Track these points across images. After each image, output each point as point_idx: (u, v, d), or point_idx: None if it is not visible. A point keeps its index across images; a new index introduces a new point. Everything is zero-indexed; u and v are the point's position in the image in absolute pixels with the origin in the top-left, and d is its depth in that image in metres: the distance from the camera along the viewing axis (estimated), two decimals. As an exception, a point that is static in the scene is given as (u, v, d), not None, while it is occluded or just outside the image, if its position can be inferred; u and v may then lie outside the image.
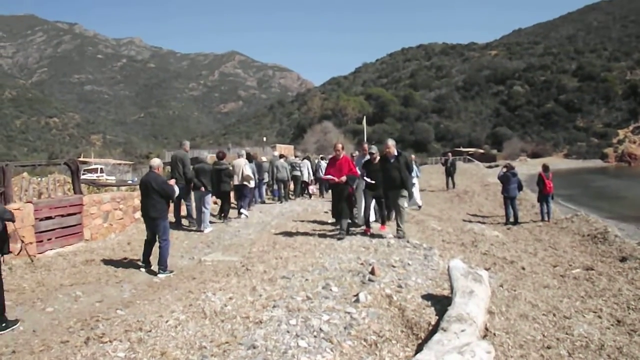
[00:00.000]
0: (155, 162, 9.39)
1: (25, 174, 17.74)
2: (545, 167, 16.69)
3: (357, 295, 5.84)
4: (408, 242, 9.55)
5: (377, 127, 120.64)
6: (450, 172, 26.58)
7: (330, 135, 78.38)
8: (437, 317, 5.18)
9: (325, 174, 10.72)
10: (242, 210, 14.96)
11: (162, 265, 8.71)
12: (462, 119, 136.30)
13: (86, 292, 7.44)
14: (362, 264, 7.59)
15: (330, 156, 11.28)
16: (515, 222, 15.84)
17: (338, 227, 10.68)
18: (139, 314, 5.66)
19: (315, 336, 4.75)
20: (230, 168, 14.25)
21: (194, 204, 13.25)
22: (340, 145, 10.66)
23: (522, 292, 6.69)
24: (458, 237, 11.69)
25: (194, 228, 12.96)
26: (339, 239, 9.96)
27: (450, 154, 28.77)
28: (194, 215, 13.13)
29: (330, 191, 11.89)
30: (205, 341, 4.73)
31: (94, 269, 8.83)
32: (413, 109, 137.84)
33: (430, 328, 4.96)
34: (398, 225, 10.16)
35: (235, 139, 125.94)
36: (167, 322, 5.22)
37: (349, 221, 10.86)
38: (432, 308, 5.56)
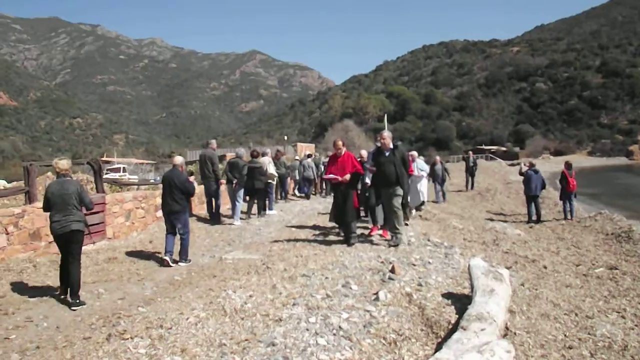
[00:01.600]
0: (178, 159, 9.95)
1: (49, 173, 17.93)
2: (569, 165, 16.51)
3: (376, 293, 5.84)
4: (429, 240, 9.53)
5: (398, 125, 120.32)
6: (471, 172, 26.19)
7: (352, 134, 78.04)
8: (457, 316, 5.16)
9: (327, 173, 9.87)
10: (268, 210, 15.37)
11: (184, 256, 9.39)
12: (484, 117, 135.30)
13: (108, 289, 7.53)
14: (382, 262, 7.57)
15: (330, 153, 10.63)
16: (538, 220, 15.69)
17: (338, 231, 10.21)
18: (160, 311, 5.71)
19: (334, 334, 4.76)
20: (264, 167, 14.57)
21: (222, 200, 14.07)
22: (340, 142, 9.73)
23: (543, 291, 6.63)
24: (479, 235, 11.63)
25: (227, 222, 13.48)
26: (350, 244, 9.18)
27: (472, 152, 28.38)
28: (224, 211, 13.93)
29: (334, 193, 10.35)
30: (225, 338, 4.76)
31: (116, 266, 8.95)
32: (434, 106, 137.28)
33: (450, 327, 4.95)
34: (395, 229, 9.15)
35: (256, 138, 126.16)
36: (187, 319, 5.26)
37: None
38: (453, 307, 5.54)
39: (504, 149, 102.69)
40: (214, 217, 13.66)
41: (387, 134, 9.41)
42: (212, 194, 13.59)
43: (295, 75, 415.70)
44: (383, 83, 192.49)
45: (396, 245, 8.84)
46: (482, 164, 44.34)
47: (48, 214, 6.91)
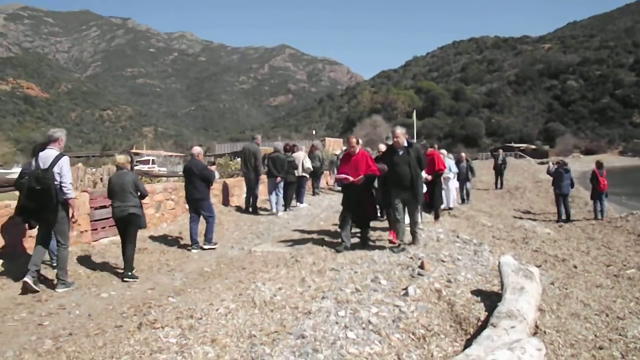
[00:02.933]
0: (196, 149, 10.67)
1: (80, 164, 18.21)
2: (600, 164, 16.27)
3: (406, 288, 5.83)
4: (458, 237, 9.48)
5: (427, 121, 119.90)
6: (500, 170, 25.78)
7: (380, 129, 77.86)
8: (486, 313, 5.14)
9: (339, 173, 8.95)
10: (298, 203, 15.63)
11: (209, 236, 10.06)
12: (514, 114, 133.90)
13: (139, 279, 7.65)
14: (411, 257, 7.56)
15: (343, 149, 10.26)
16: (568, 219, 15.51)
17: (340, 239, 8.86)
18: (190, 301, 5.78)
19: (363, 328, 4.77)
20: (298, 160, 15.19)
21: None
22: (354, 140, 8.92)
23: (573, 290, 6.55)
24: (508, 233, 11.53)
25: (264, 214, 14.05)
26: (365, 247, 8.45)
27: (501, 150, 28.00)
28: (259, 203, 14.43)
29: (345, 194, 9.10)
30: (255, 330, 4.79)
31: (146, 257, 9.09)
32: (464, 103, 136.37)
33: (479, 324, 4.93)
34: (413, 231, 8.60)
35: (284, 132, 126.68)
36: (217, 310, 5.31)
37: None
38: (482, 304, 5.52)
39: (533, 147, 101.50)
40: (251, 209, 14.16)
41: (400, 130, 8.55)
42: (252, 187, 14.15)
43: (324, 70, 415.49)
44: (412, 79, 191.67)
45: (416, 243, 8.44)
46: (511, 162, 43.89)
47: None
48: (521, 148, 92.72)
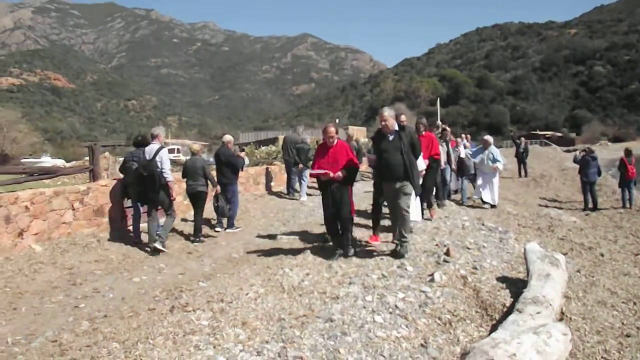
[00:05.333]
0: (227, 138, 11.51)
1: (106, 153, 18.52)
2: (628, 152, 16.04)
3: (432, 275, 5.91)
4: (483, 225, 9.50)
5: (451, 109, 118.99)
6: (522, 159, 25.45)
7: (403, 118, 77.43)
8: (511, 300, 5.20)
9: (314, 167, 7.50)
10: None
11: (231, 221, 10.79)
12: (539, 101, 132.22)
13: (169, 264, 7.86)
14: (437, 245, 7.61)
15: (319, 141, 8.94)
16: (594, 208, 15.35)
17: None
18: (219, 286, 5.93)
19: (390, 312, 4.87)
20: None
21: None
22: (333, 129, 7.52)
23: (600, 278, 6.55)
24: (534, 221, 11.49)
25: (295, 198, 14.97)
26: (347, 256, 7.15)
27: (523, 138, 27.57)
28: (296, 187, 15.34)
29: (323, 193, 7.64)
30: (284, 313, 4.92)
31: (175, 243, 9.31)
32: (488, 90, 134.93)
33: (505, 310, 4.99)
34: (401, 236, 7.11)
35: (307, 120, 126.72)
36: (247, 294, 5.44)
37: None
38: (507, 290, 5.58)
39: (559, 134, 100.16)
40: (288, 191, 15.51)
41: (388, 112, 7.19)
42: (289, 173, 15.28)
43: (347, 59, 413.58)
44: (436, 66, 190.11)
45: (402, 256, 6.85)
46: (537, 150, 43.43)
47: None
48: (547, 136, 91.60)
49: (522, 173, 24.99)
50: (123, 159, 9.98)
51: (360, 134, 45.14)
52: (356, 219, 8.66)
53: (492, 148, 13.43)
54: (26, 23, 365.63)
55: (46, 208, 8.24)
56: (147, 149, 8.72)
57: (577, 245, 8.90)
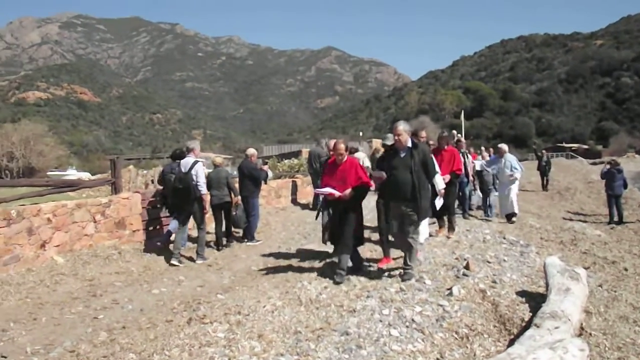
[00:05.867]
0: (250, 151, 11.52)
1: (131, 166, 18.70)
2: (655, 164, 15.80)
3: (450, 288, 5.88)
4: (504, 238, 9.42)
5: (476, 121, 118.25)
6: (545, 172, 25.13)
7: (428, 130, 77.23)
8: (530, 314, 5.14)
9: (323, 185, 7.20)
10: None
11: (250, 235, 10.83)
12: (565, 113, 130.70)
13: (188, 277, 7.91)
14: (456, 258, 7.57)
15: (326, 157, 8.55)
16: (620, 221, 15.10)
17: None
18: (237, 298, 5.98)
19: (407, 326, 4.85)
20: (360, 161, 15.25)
21: None
22: (343, 145, 7.09)
23: (623, 293, 6.43)
24: (557, 235, 11.35)
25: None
26: (336, 282, 6.53)
27: (545, 151, 27.32)
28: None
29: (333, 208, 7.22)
30: (300, 326, 4.94)
31: (194, 254, 9.34)
32: (513, 102, 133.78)
33: (524, 324, 4.94)
34: (405, 265, 6.64)
35: (331, 133, 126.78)
36: (264, 307, 5.48)
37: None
38: (527, 305, 5.52)
39: (585, 146, 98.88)
40: (315, 205, 15.00)
41: (403, 126, 6.68)
42: (317, 186, 14.94)
43: (371, 71, 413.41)
44: (460, 79, 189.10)
45: (409, 279, 6.42)
46: (562, 163, 42.92)
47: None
48: (573, 148, 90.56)
49: (545, 185, 24.71)
50: (162, 170, 10.38)
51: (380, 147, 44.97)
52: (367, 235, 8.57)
53: (508, 156, 13.13)
54: (53, 38, 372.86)
55: (68, 220, 8.38)
56: (182, 161, 9.02)
57: (600, 259, 8.76)
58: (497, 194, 13.57)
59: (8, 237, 7.38)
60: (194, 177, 8.81)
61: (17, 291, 6.74)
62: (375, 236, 9.22)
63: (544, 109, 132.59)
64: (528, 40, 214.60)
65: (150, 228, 10.25)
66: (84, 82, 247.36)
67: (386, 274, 6.82)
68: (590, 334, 4.86)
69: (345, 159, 7.02)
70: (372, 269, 7.46)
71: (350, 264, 7.08)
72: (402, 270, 6.72)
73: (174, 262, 8.66)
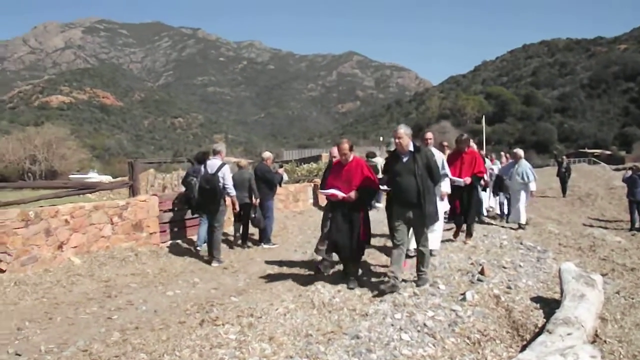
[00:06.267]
0: (266, 154, 11.54)
1: (151, 170, 18.91)
2: (679, 170, 15.55)
3: (464, 294, 5.85)
4: (521, 244, 9.35)
5: (497, 127, 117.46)
6: (563, 177, 24.80)
7: (449, 135, 76.91)
8: (544, 320, 5.08)
9: (327, 187, 7.02)
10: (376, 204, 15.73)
11: (266, 237, 10.96)
12: (588, 119, 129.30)
13: (203, 279, 7.97)
14: (472, 263, 7.54)
15: (333, 158, 8.37)
16: (642, 227, 14.91)
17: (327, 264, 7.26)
18: (250, 301, 6.01)
19: (418, 331, 4.84)
20: (378, 166, 15.48)
21: None
22: (347, 145, 6.84)
23: (641, 300, 6.35)
24: (576, 241, 11.22)
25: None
26: (350, 287, 6.48)
27: (565, 157, 27.01)
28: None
29: (332, 214, 7.06)
30: (312, 330, 4.96)
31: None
32: (535, 108, 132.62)
33: (537, 330, 4.89)
34: (419, 270, 6.57)
35: (352, 138, 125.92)
36: (277, 310, 5.50)
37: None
38: (541, 311, 5.47)
39: (608, 152, 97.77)
40: None
41: (403, 129, 6.46)
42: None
43: (392, 76, 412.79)
44: (481, 84, 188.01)
45: (423, 285, 6.40)
46: (584, 168, 42.55)
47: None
48: (595, 154, 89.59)
49: (563, 192, 24.40)
50: (186, 172, 10.66)
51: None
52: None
53: (523, 162, 12.82)
54: (76, 43, 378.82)
55: (86, 222, 8.47)
56: (209, 163, 9.22)
57: (619, 266, 8.64)
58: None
59: (26, 238, 7.47)
60: (221, 179, 9.03)
61: (33, 291, 6.83)
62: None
63: (567, 115, 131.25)
64: (550, 45, 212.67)
65: (175, 229, 10.42)
66: (106, 87, 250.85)
67: (400, 279, 6.80)
68: (605, 341, 4.79)
69: (350, 158, 6.84)
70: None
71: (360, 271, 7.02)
72: (417, 275, 6.59)
73: (214, 264, 8.98)
